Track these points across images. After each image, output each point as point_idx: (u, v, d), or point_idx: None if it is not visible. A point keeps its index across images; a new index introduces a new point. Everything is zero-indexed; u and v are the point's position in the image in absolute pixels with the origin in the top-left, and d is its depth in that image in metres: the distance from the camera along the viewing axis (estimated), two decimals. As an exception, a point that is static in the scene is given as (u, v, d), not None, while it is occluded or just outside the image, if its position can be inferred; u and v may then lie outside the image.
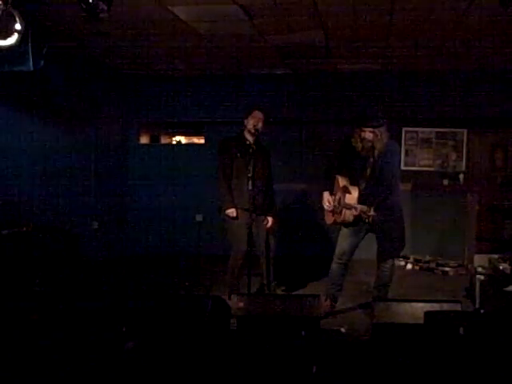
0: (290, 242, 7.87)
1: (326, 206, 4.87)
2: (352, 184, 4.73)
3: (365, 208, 4.50)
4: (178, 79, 8.07)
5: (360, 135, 4.63)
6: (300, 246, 7.83)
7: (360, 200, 4.61)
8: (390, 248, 4.87)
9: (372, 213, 4.47)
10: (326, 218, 5.05)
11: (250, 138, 5.15)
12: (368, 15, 4.87)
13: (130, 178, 8.38)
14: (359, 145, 4.65)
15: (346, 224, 4.82)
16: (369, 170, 4.71)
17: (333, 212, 4.88)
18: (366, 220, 4.54)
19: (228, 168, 5.13)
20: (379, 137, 4.60)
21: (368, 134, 4.60)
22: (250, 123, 5.12)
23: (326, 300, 4.94)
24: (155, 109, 8.28)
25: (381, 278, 4.97)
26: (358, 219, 4.67)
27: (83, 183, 7.07)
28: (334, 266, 4.99)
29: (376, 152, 4.65)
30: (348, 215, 4.66)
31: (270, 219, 5.29)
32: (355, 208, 4.55)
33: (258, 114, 5.14)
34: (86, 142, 7.14)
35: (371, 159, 4.69)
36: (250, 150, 4.94)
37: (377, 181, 4.66)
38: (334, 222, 4.90)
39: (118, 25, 5.05)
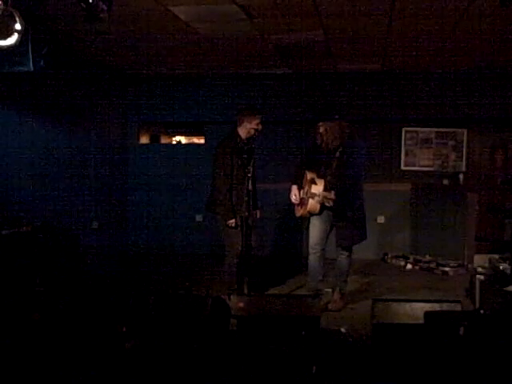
0: (289, 241, 7.89)
1: (292, 199, 5.20)
2: (319, 177, 5.05)
3: (326, 193, 4.91)
4: (178, 79, 8.07)
5: (318, 131, 5.04)
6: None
7: (326, 190, 4.97)
8: (347, 236, 5.11)
9: (332, 196, 4.87)
10: (295, 210, 5.33)
11: (244, 138, 5.20)
12: (368, 15, 4.87)
13: (130, 177, 8.38)
14: (319, 140, 5.06)
15: (312, 214, 5.11)
16: (334, 164, 5.03)
17: (301, 204, 5.19)
18: (328, 204, 4.93)
19: (228, 175, 5.13)
20: (328, 131, 4.98)
21: (322, 129, 5.01)
22: (252, 125, 5.18)
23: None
24: (155, 109, 8.28)
25: (338, 266, 5.31)
26: (323, 207, 5.03)
27: (83, 183, 7.07)
28: (310, 257, 5.25)
29: (331, 146, 5.00)
30: (313, 204, 5.01)
31: (258, 212, 5.46)
32: (318, 195, 4.93)
33: (259, 116, 5.24)
34: (85, 142, 7.14)
35: (337, 154, 5.03)
36: (248, 151, 5.01)
37: (341, 173, 4.96)
38: (302, 214, 5.19)
39: (118, 25, 5.05)
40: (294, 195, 5.17)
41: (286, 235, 7.90)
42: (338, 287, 5.34)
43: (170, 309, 3.52)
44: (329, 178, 5.01)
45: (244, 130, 5.21)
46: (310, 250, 5.21)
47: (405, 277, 6.78)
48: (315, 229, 5.20)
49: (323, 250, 5.21)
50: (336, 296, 5.31)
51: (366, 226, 5.24)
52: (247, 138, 5.23)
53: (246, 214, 4.91)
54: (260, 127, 5.23)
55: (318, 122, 5.11)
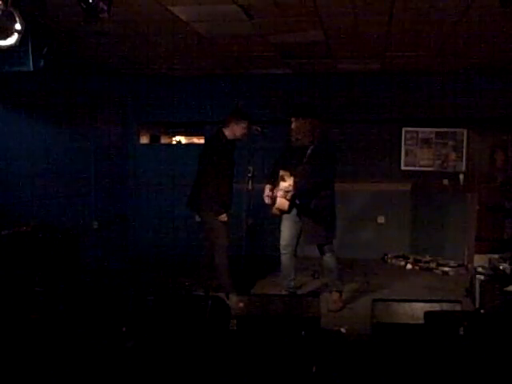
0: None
1: (266, 200, 5.17)
2: (291, 175, 5.04)
3: (285, 185, 4.92)
4: (177, 79, 8.06)
5: (290, 126, 5.14)
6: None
7: (294, 187, 4.98)
8: (314, 234, 5.15)
9: (290, 189, 4.88)
10: (271, 209, 5.32)
11: (229, 138, 5.28)
12: (368, 15, 4.87)
13: (129, 177, 8.38)
14: (291, 136, 5.15)
15: (283, 212, 5.12)
16: (305, 160, 5.10)
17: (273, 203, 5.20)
18: (287, 197, 4.93)
19: (218, 173, 5.22)
20: (299, 127, 5.07)
21: (293, 125, 5.12)
22: (238, 127, 5.30)
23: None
24: (155, 109, 8.28)
25: (325, 266, 5.35)
26: (292, 205, 5.04)
27: (83, 183, 7.07)
28: (282, 257, 5.33)
29: (300, 143, 5.07)
30: (281, 201, 5.01)
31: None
32: (280, 189, 4.95)
33: (245, 121, 5.38)
34: (85, 141, 7.14)
35: (308, 151, 5.08)
36: (233, 151, 5.18)
37: (309, 170, 5.01)
38: (273, 212, 5.19)
39: (118, 25, 5.05)
40: (266, 195, 5.15)
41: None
42: (334, 287, 5.36)
43: (169, 309, 3.52)
44: (298, 174, 5.03)
45: (230, 132, 5.30)
46: (282, 251, 5.30)
47: (405, 277, 6.79)
48: (285, 229, 5.26)
49: (294, 251, 5.30)
50: (334, 296, 5.32)
51: (334, 227, 5.28)
52: (232, 140, 5.33)
53: (248, 214, 4.99)
54: (245, 132, 5.31)
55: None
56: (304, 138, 5.06)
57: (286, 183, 4.97)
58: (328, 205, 5.15)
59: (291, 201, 4.98)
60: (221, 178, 5.22)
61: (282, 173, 5.05)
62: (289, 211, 5.11)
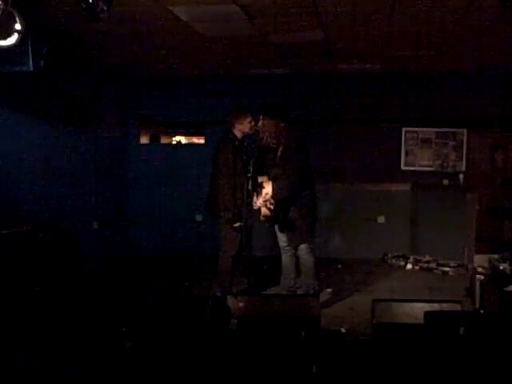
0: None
1: (255, 207, 5.10)
2: (268, 179, 5.02)
3: (265, 191, 4.88)
4: (178, 79, 8.07)
5: (257, 124, 5.08)
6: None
7: (273, 191, 4.92)
8: (294, 234, 5.12)
9: (268, 197, 4.84)
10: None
11: (240, 138, 5.19)
12: (368, 15, 4.87)
13: (130, 178, 8.38)
14: (259, 134, 5.07)
15: (268, 220, 5.08)
16: (277, 160, 5.06)
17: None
18: (267, 206, 4.88)
19: (232, 178, 5.08)
20: (265, 126, 5.01)
21: (260, 123, 5.05)
22: (244, 125, 5.15)
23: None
24: (155, 109, 8.28)
25: (303, 264, 5.24)
26: (275, 215, 5.00)
27: (83, 183, 7.07)
28: (282, 257, 5.35)
29: (265, 143, 5.02)
30: (264, 211, 4.98)
31: None
32: (259, 198, 4.91)
33: (249, 115, 5.21)
34: (85, 141, 7.14)
35: (279, 153, 5.04)
36: (246, 151, 5.08)
37: (281, 174, 4.95)
38: (262, 221, 5.15)
39: (118, 25, 5.05)
40: (254, 202, 5.07)
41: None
42: (309, 288, 5.23)
43: (169, 309, 3.52)
44: (273, 176, 4.98)
45: (238, 132, 5.19)
46: (282, 251, 5.32)
47: (405, 277, 6.79)
48: (280, 232, 5.24)
49: (294, 250, 5.27)
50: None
51: (314, 227, 5.24)
52: (242, 138, 5.23)
53: (248, 214, 4.93)
54: (253, 124, 5.18)
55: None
56: (270, 138, 5.01)
57: (266, 190, 4.94)
58: (306, 203, 5.12)
59: (274, 210, 4.95)
60: (237, 182, 5.09)
61: (260, 179, 5.01)
62: (274, 221, 5.11)
